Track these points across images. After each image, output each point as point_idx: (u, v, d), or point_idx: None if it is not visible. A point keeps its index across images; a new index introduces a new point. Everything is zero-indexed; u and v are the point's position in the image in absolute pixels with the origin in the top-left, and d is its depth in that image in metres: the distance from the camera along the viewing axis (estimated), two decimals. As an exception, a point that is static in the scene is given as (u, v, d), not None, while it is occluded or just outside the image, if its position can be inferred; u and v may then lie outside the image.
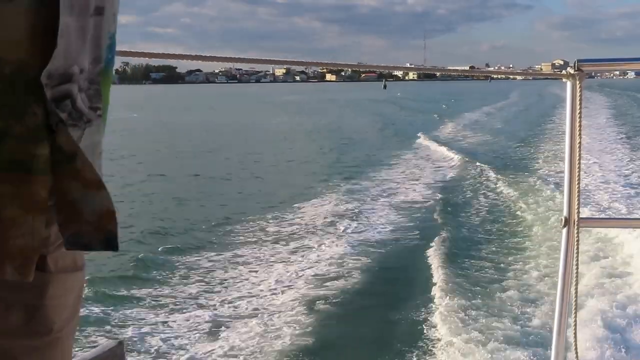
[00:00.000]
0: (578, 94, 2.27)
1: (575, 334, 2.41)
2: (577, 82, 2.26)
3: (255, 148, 34.07)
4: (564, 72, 2.28)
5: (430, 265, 11.84)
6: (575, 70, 2.26)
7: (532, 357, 7.49)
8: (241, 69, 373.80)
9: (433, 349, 8.35)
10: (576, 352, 2.43)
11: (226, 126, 47.42)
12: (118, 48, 0.83)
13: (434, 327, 9.02)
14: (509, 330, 8.43)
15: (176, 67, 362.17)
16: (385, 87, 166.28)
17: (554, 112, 46.43)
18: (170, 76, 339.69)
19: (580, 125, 2.29)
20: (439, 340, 8.58)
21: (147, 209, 18.27)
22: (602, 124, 37.30)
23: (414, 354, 8.31)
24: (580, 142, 2.31)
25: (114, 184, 23.03)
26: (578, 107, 2.28)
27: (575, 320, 2.41)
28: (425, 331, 8.96)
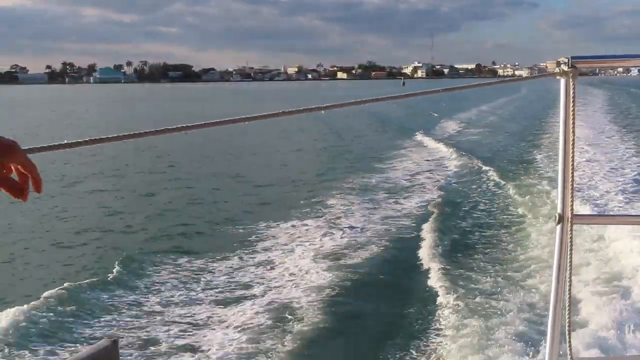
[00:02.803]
0: (572, 91, 2.21)
1: (569, 328, 2.35)
2: (571, 79, 2.20)
3: (253, 144, 33.93)
4: (557, 69, 2.22)
5: (428, 261, 11.77)
6: (569, 68, 2.20)
7: (527, 351, 7.40)
8: (253, 67, 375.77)
9: (431, 343, 8.27)
10: (570, 346, 2.37)
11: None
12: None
13: (431, 321, 8.97)
14: (505, 324, 8.35)
15: (192, 66, 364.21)
16: (404, 84, 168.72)
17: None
18: (187, 75, 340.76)
19: (574, 122, 2.23)
20: (436, 333, 8.52)
21: (145, 208, 18.13)
22: (600, 120, 37.00)
23: (412, 348, 8.23)
24: (574, 139, 2.25)
25: (112, 180, 23.02)
26: (572, 104, 2.22)
27: (569, 315, 2.35)
28: (422, 325, 8.91)
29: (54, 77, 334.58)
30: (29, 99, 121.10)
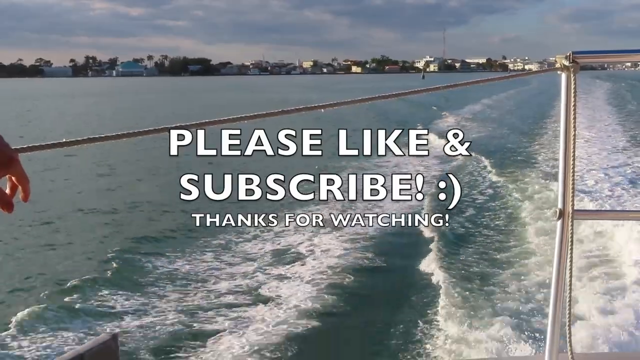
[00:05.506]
0: (573, 86, 2.14)
1: (569, 323, 2.30)
2: (572, 74, 2.13)
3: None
4: (558, 64, 2.15)
5: (425, 256, 11.51)
6: (570, 62, 2.13)
7: (527, 347, 7.28)
8: (269, 62, 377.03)
9: (429, 339, 8.14)
10: (570, 342, 2.32)
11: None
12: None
13: (429, 315, 8.80)
14: (504, 320, 8.16)
15: (210, 60, 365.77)
16: (423, 77, 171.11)
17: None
18: (206, 69, 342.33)
19: (575, 117, 2.16)
20: (433, 328, 8.39)
21: (144, 204, 17.78)
22: (602, 114, 36.57)
23: (410, 344, 8.11)
24: (575, 134, 2.19)
25: (111, 177, 22.85)
26: (573, 98, 2.15)
27: (570, 310, 2.29)
28: (419, 320, 8.72)
29: (78, 70, 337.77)
30: (85, 91, 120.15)
